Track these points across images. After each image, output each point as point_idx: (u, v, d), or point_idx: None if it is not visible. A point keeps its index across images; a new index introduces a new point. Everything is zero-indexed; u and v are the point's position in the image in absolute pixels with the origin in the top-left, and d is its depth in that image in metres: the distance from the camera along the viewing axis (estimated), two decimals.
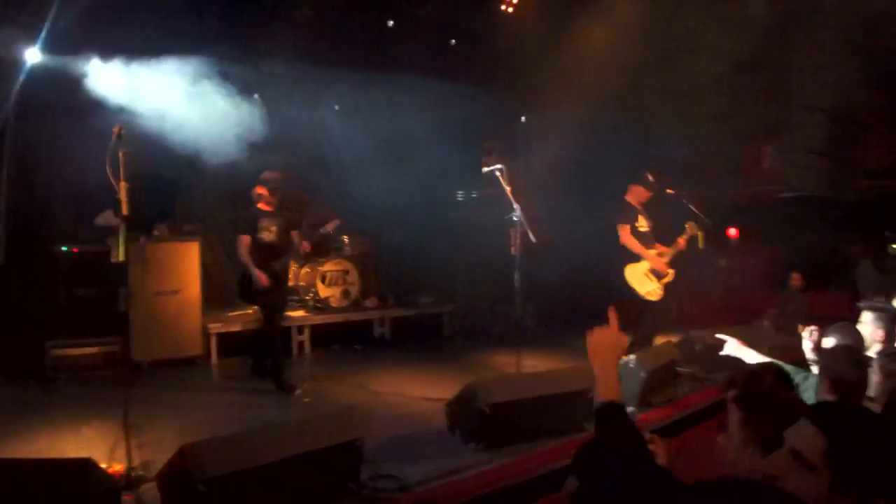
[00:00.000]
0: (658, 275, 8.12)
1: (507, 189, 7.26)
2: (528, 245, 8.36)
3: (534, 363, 7.92)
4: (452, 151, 11.42)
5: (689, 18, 10.04)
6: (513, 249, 8.84)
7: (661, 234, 8.39)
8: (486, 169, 7.72)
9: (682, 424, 6.31)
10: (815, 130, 10.65)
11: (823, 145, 10.67)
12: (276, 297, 7.73)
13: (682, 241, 8.20)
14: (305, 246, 8.04)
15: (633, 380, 6.46)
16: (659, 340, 8.12)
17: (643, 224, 8.29)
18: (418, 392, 7.26)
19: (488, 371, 8.16)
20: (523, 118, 12.83)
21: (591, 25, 10.56)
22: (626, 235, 8.10)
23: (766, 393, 2.56)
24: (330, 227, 9.10)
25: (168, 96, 8.30)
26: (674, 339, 8.16)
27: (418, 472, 4.90)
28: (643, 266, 8.10)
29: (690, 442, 5.84)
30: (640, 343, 8.02)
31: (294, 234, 7.97)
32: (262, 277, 7.40)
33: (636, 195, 8.34)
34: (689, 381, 7.61)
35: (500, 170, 7.28)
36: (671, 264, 8.18)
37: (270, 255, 7.63)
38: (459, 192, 12.43)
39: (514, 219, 7.35)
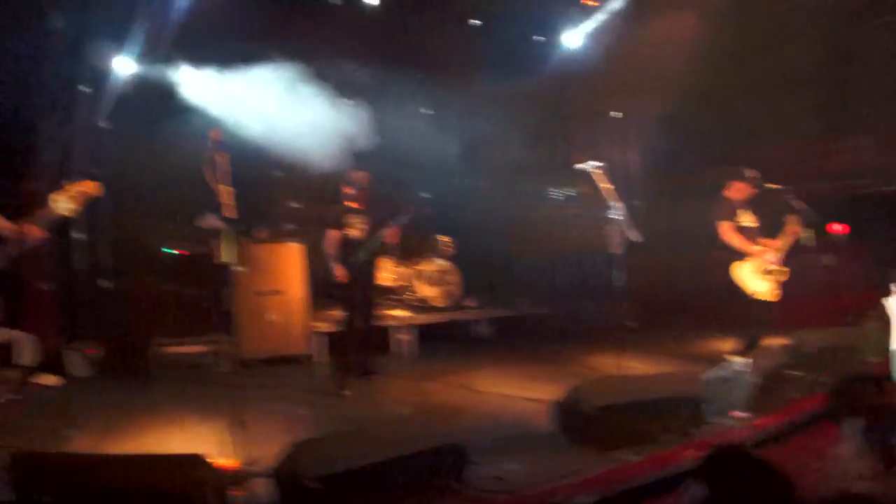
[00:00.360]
0: (771, 272, 7.81)
1: (605, 186, 7.10)
2: (626, 244, 8.25)
3: (635, 365, 7.76)
4: (544, 149, 11.36)
5: (782, 6, 9.72)
6: (612, 248, 8.71)
7: (763, 232, 8.10)
8: (579, 166, 7.60)
9: (792, 430, 6.05)
10: None
11: None
12: (356, 293, 7.75)
13: (782, 239, 7.89)
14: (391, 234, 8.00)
15: (741, 384, 6.23)
16: (765, 342, 7.83)
17: (747, 220, 7.98)
18: (520, 393, 7.17)
19: (589, 373, 8.00)
20: (613, 113, 12.57)
21: (680, 16, 10.29)
22: (727, 232, 7.80)
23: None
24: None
25: (262, 101, 8.49)
26: (782, 341, 7.85)
27: (523, 473, 4.83)
28: (751, 264, 7.81)
29: (801, 448, 5.61)
30: (747, 346, 7.77)
31: (387, 233, 7.97)
32: (339, 271, 7.52)
33: (737, 191, 8.01)
34: (797, 385, 7.30)
35: (596, 166, 7.14)
36: (778, 262, 7.88)
37: (355, 253, 7.71)
38: (555, 191, 12.27)
39: (613, 217, 7.21)
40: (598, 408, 5.20)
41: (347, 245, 7.72)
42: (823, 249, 10.38)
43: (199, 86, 8.57)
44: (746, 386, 6.19)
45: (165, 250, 9.07)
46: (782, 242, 7.86)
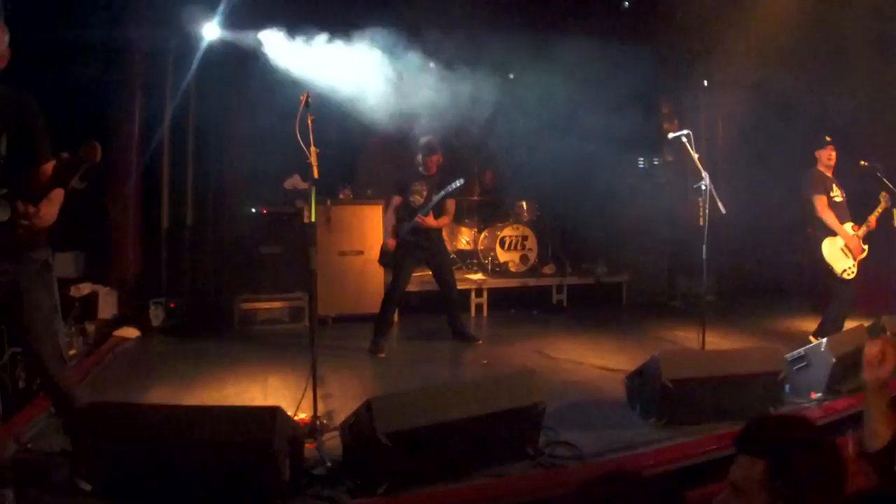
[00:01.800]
0: (853, 251, 7.56)
1: (695, 156, 6.94)
2: (711, 216, 8.04)
3: (714, 340, 7.61)
4: (629, 117, 11.12)
5: None
6: (700, 220, 8.51)
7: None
8: (671, 135, 7.42)
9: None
10: None
11: None
12: (405, 260, 7.69)
13: (873, 217, 7.58)
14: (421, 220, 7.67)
15: (822, 365, 6.03)
16: (848, 324, 7.60)
17: (837, 193, 7.71)
18: (595, 361, 7.12)
19: (666, 345, 7.91)
20: (705, 82, 12.22)
21: None
22: (822, 208, 7.51)
23: None
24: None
25: (348, 66, 8.52)
26: (864, 323, 7.60)
27: (595, 442, 4.79)
28: (840, 241, 7.54)
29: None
30: (829, 326, 7.56)
31: (449, 201, 7.84)
32: (389, 242, 7.64)
33: (823, 161, 7.76)
34: None
35: (686, 135, 6.98)
36: (864, 241, 7.61)
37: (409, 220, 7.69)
38: (640, 160, 12.05)
39: (702, 188, 7.05)
40: (674, 381, 5.12)
41: (407, 211, 7.72)
42: None
43: (287, 50, 8.65)
44: (828, 367, 6.01)
45: (251, 209, 9.23)
46: (864, 224, 7.59)
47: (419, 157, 7.79)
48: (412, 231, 7.64)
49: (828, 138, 7.72)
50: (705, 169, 7.00)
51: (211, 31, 8.82)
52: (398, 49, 8.50)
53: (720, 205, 6.85)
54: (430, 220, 7.66)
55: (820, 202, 7.54)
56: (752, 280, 11.42)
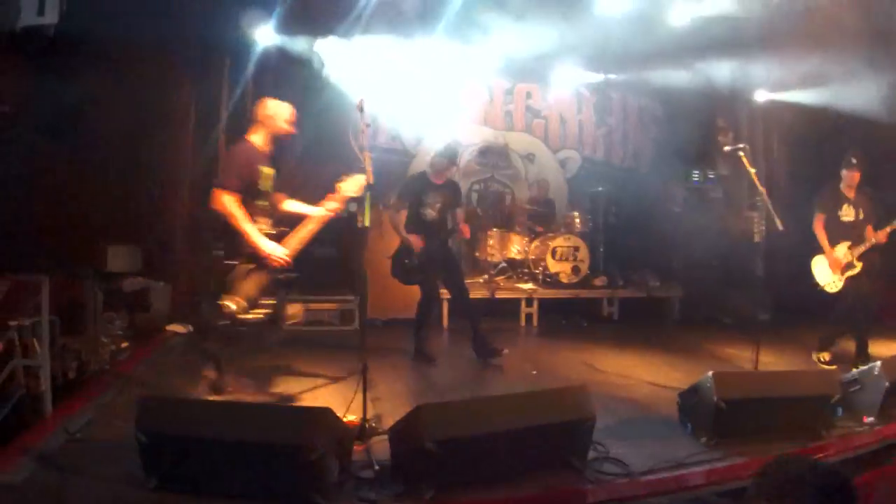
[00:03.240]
0: (835, 267, 7.69)
1: (751, 171, 6.82)
2: (767, 232, 7.91)
3: (768, 360, 7.47)
4: (684, 128, 11.03)
5: None
6: (756, 236, 8.42)
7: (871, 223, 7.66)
8: (727, 148, 7.35)
9: None
10: None
11: None
12: (430, 267, 7.48)
13: (882, 233, 7.51)
14: (464, 230, 7.65)
15: (875, 389, 5.90)
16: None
17: (848, 213, 7.74)
18: (646, 377, 7.03)
19: (718, 363, 7.75)
20: (756, 96, 12.03)
21: None
22: (816, 225, 7.78)
23: None
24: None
25: (397, 75, 8.58)
26: None
27: (644, 459, 4.72)
28: (827, 259, 7.77)
29: None
30: (822, 338, 7.90)
31: (458, 214, 7.72)
32: (416, 247, 7.32)
33: (846, 181, 7.77)
34: None
35: (742, 149, 6.86)
36: (863, 257, 7.59)
37: (425, 231, 7.47)
38: (695, 173, 11.90)
39: (756, 203, 6.96)
40: (727, 401, 5.04)
41: (418, 223, 7.49)
42: None
43: (336, 55, 8.76)
44: (881, 391, 5.87)
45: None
46: (866, 241, 7.63)
47: (441, 162, 7.48)
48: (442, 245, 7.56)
49: (854, 160, 7.71)
50: (762, 184, 6.89)
51: (266, 35, 8.94)
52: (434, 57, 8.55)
53: (778, 221, 6.71)
54: (467, 231, 7.70)
55: (817, 219, 7.79)
56: (809, 299, 11.18)
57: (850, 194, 7.76)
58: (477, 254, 10.61)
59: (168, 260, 8.97)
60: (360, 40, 9.06)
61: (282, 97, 9.47)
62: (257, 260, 5.40)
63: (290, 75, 9.15)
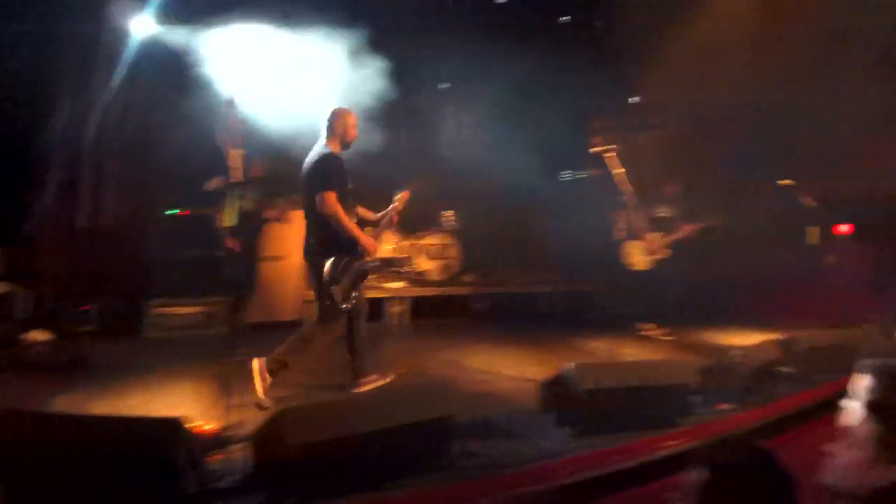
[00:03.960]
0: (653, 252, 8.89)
1: (617, 171, 7.04)
2: (634, 230, 8.20)
3: (631, 352, 7.72)
4: (560, 129, 11.24)
5: None
6: (622, 233, 8.68)
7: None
8: (595, 149, 7.56)
9: (781, 426, 6.01)
10: None
11: None
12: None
13: (687, 227, 8.87)
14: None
15: (733, 376, 6.20)
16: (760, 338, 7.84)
17: (665, 210, 8.79)
18: (513, 372, 7.11)
19: (584, 356, 7.94)
20: (635, 98, 12.44)
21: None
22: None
23: None
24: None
25: (279, 66, 8.36)
26: (775, 337, 7.81)
27: (509, 452, 4.80)
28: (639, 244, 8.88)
29: (788, 444, 5.57)
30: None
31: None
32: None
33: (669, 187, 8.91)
34: (788, 382, 7.26)
35: (610, 150, 7.08)
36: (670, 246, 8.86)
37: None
38: (566, 172, 12.17)
39: (622, 202, 7.17)
40: (587, 391, 5.16)
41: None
42: (827, 249, 10.34)
43: (217, 48, 8.45)
44: (739, 378, 6.16)
45: (170, 211, 9.01)
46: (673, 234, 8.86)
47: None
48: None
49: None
50: (630, 184, 7.11)
51: (143, 25, 8.55)
52: (329, 50, 8.40)
53: (642, 219, 6.95)
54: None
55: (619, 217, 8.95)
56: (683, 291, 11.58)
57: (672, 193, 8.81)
58: None
59: (33, 264, 8.55)
60: (242, 30, 8.75)
61: (160, 92, 9.21)
62: (354, 252, 6.08)
63: (170, 68, 8.79)
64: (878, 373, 2.55)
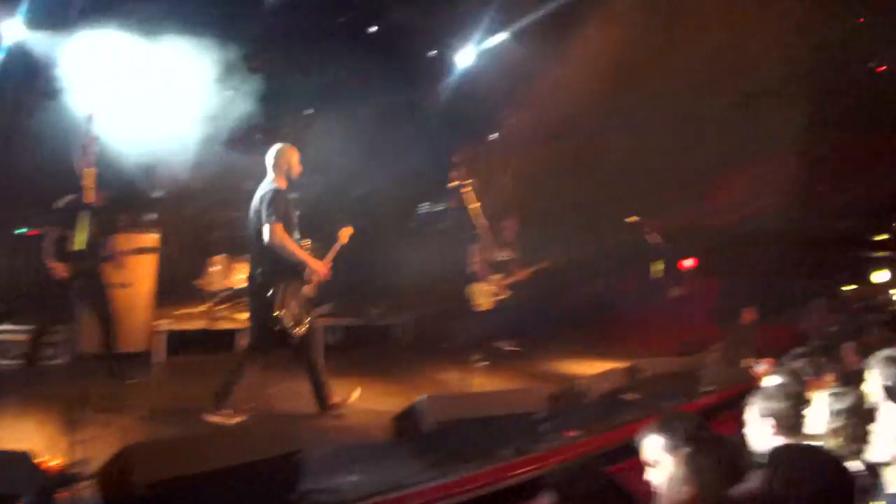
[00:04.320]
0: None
1: (473, 206, 7.25)
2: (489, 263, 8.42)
3: (482, 381, 7.89)
4: (422, 161, 11.41)
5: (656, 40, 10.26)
6: (472, 267, 8.89)
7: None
8: (453, 184, 7.73)
9: (626, 451, 6.31)
10: (779, 168, 10.94)
11: (785, 184, 10.95)
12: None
13: (523, 271, 9.71)
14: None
15: (579, 403, 6.50)
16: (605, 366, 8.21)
17: (504, 253, 9.46)
18: (364, 404, 7.07)
19: (438, 387, 8.09)
20: (494, 135, 12.80)
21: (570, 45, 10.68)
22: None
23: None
24: None
25: (139, 80, 8.13)
26: (621, 365, 8.21)
27: (360, 485, 4.83)
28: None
29: (633, 469, 5.86)
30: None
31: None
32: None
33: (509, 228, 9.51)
34: (634, 408, 7.65)
35: (467, 185, 7.28)
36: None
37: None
38: (423, 205, 12.37)
39: (477, 235, 7.37)
40: (439, 422, 5.30)
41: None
42: (672, 282, 10.99)
43: (78, 60, 8.09)
44: (585, 405, 6.46)
45: (17, 231, 8.59)
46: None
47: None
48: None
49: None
50: (485, 217, 7.31)
51: (14, 29, 8.08)
52: (194, 66, 8.21)
53: (498, 252, 7.18)
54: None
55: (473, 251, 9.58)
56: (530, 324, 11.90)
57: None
58: (199, 281, 10.12)
59: None
60: (109, 36, 8.38)
61: (23, 103, 8.70)
62: (300, 276, 6.52)
63: (36, 78, 8.37)
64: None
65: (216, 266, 10.04)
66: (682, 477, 2.60)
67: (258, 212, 6.40)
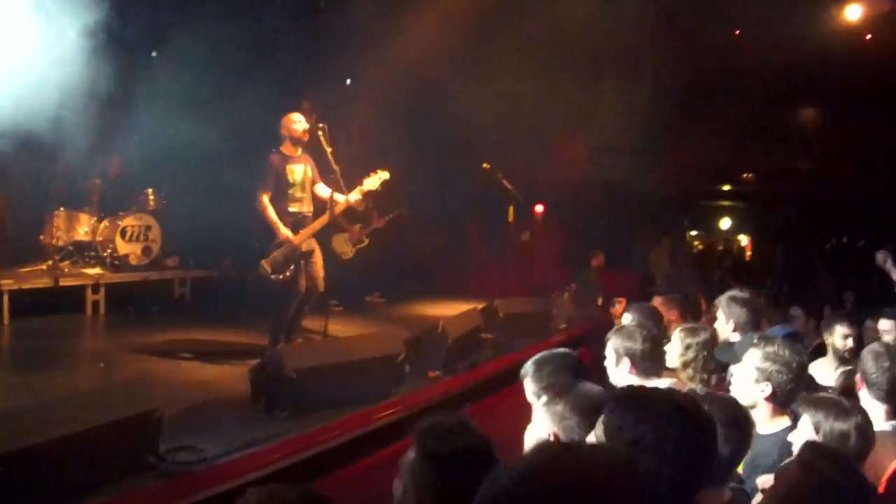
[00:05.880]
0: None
1: (328, 150, 7.05)
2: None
3: (339, 329, 7.84)
4: (270, 108, 11.05)
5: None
6: (327, 215, 8.71)
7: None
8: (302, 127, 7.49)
9: (483, 390, 6.45)
10: (622, 130, 11.80)
11: (628, 144, 11.81)
12: None
13: (381, 219, 9.94)
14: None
15: (440, 344, 6.56)
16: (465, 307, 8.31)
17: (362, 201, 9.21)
18: (217, 359, 6.92)
19: (293, 337, 7.94)
20: (348, 81, 12.54)
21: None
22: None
23: None
24: None
25: None
26: (478, 306, 8.34)
27: (219, 442, 4.69)
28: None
29: (492, 407, 6.00)
30: None
31: None
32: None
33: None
34: (490, 348, 7.82)
35: (321, 128, 7.05)
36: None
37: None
38: (273, 150, 11.98)
39: (333, 183, 7.18)
40: (297, 370, 5.20)
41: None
42: (523, 227, 11.30)
43: None
44: (444, 347, 6.52)
45: None
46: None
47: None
48: None
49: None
50: (339, 164, 7.11)
51: None
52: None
53: (349, 198, 7.06)
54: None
55: None
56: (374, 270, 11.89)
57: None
58: (42, 237, 9.49)
59: None
60: None
61: None
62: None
63: None
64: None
65: (58, 219, 9.42)
66: (546, 422, 2.63)
67: None
